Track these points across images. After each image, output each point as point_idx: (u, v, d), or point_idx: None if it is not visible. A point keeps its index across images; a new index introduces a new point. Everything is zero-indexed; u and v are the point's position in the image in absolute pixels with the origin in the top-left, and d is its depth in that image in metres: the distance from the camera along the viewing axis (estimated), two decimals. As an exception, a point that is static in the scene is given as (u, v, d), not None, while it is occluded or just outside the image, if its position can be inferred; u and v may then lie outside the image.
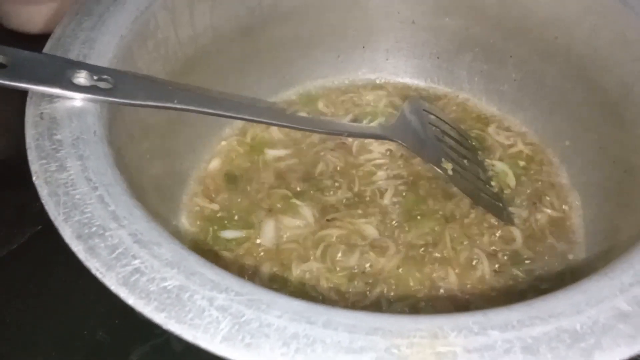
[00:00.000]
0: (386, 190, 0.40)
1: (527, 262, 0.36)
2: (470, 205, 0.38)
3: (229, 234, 0.37)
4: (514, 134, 0.44)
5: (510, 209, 0.39)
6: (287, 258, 0.37)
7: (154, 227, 0.23)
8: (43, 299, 0.39)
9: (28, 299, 0.39)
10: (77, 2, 0.33)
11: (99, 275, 0.21)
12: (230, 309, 0.20)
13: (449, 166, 0.37)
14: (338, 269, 0.36)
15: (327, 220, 0.38)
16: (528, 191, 0.40)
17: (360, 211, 0.39)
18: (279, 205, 0.39)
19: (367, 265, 0.36)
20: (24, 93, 0.27)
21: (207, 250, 0.36)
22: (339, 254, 0.36)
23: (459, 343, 0.18)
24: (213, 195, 0.40)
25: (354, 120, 0.45)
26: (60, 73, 0.28)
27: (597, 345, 0.18)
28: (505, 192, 0.40)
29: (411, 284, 0.35)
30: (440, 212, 0.38)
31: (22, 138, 0.27)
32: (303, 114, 0.46)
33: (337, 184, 0.40)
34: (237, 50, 0.42)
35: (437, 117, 0.41)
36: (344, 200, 0.39)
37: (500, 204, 0.39)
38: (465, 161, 0.39)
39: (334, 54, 0.47)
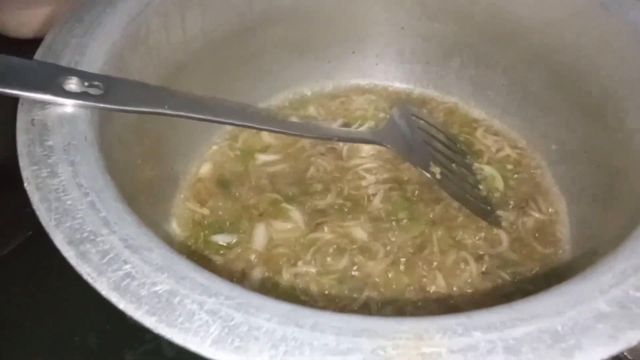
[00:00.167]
0: (375, 194, 0.40)
1: (513, 264, 0.36)
2: (458, 209, 0.39)
3: (219, 238, 0.38)
4: (501, 138, 0.44)
5: (499, 212, 0.40)
6: (278, 262, 0.37)
7: (144, 232, 0.23)
8: (35, 303, 0.39)
9: (19, 303, 0.39)
10: (68, 9, 0.34)
11: (90, 280, 0.21)
12: (219, 312, 0.20)
13: (437, 170, 0.38)
14: (328, 272, 0.36)
15: (317, 224, 0.39)
16: (516, 195, 0.41)
17: (349, 215, 0.39)
18: (269, 210, 0.39)
19: (356, 268, 0.36)
20: (11, 99, 0.27)
21: (198, 255, 0.37)
22: (329, 258, 0.37)
23: (444, 344, 0.19)
24: (204, 200, 0.40)
25: (344, 124, 0.46)
26: (51, 79, 0.28)
27: (577, 345, 0.19)
28: (494, 195, 0.41)
29: (400, 287, 0.36)
30: (429, 216, 0.39)
31: (14, 142, 0.28)
32: (294, 118, 0.46)
33: (327, 188, 0.41)
34: (228, 56, 0.42)
35: (425, 121, 0.42)
36: (334, 205, 0.40)
37: (489, 207, 0.39)
38: (453, 165, 0.40)
39: (324, 59, 0.48)
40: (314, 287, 0.36)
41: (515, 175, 0.42)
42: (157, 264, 0.21)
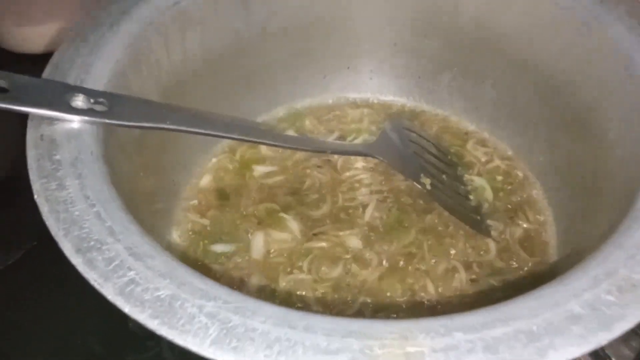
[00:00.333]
0: (369, 204, 0.42)
1: (501, 272, 0.38)
2: (448, 218, 0.40)
3: (218, 247, 0.39)
4: (491, 150, 0.46)
5: (489, 222, 0.41)
6: (275, 270, 0.38)
7: (147, 241, 0.24)
8: (39, 310, 0.41)
9: (25, 310, 0.41)
10: (72, 27, 0.35)
11: (97, 286, 0.22)
12: (218, 315, 0.21)
13: (427, 181, 0.39)
14: (323, 280, 0.38)
15: (313, 234, 0.40)
16: (505, 205, 0.42)
17: (344, 225, 0.41)
18: (267, 220, 0.41)
19: (351, 276, 0.38)
20: (17, 115, 0.29)
21: (197, 264, 0.38)
22: (324, 266, 0.38)
23: (427, 344, 0.20)
24: (204, 211, 0.41)
25: (339, 137, 0.47)
26: (58, 97, 0.30)
27: (551, 344, 0.20)
28: (484, 206, 0.42)
29: (392, 294, 0.37)
30: (420, 225, 0.40)
31: (17, 158, 0.29)
32: (291, 132, 0.48)
33: (322, 199, 0.42)
34: (227, 72, 0.44)
35: (417, 134, 0.43)
36: (329, 215, 0.41)
37: (478, 217, 0.41)
38: (444, 176, 0.42)
39: (320, 74, 0.49)
40: (309, 294, 0.37)
41: (505, 186, 0.43)
42: (160, 270, 0.23)
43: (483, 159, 0.45)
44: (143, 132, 0.34)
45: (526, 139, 0.44)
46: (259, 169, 0.44)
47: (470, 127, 0.48)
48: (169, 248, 0.39)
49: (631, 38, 0.34)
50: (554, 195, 0.41)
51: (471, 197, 0.42)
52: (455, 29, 0.44)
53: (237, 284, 0.37)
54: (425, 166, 0.40)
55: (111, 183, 0.28)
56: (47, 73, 0.32)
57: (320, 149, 0.40)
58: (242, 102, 0.46)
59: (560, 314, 0.21)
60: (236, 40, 0.43)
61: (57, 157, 0.28)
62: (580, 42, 0.37)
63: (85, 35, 0.35)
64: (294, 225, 0.40)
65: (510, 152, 0.45)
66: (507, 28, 0.42)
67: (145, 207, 0.35)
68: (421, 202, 0.41)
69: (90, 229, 0.24)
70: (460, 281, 0.37)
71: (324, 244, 0.39)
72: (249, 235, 0.40)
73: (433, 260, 0.38)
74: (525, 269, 0.38)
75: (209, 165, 0.44)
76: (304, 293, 0.37)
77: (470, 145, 0.46)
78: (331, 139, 0.47)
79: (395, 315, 0.36)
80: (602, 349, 0.41)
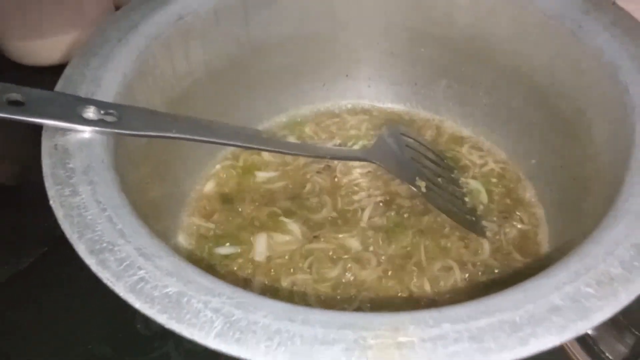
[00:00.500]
0: (367, 207, 0.43)
1: (495, 271, 0.39)
2: (444, 220, 0.42)
3: (223, 250, 0.41)
4: (486, 154, 0.47)
5: (483, 223, 0.42)
6: (277, 271, 0.40)
7: (156, 242, 0.26)
8: (51, 314, 0.42)
9: (36, 314, 0.42)
10: (81, 39, 0.37)
11: (109, 284, 0.24)
12: (222, 310, 0.23)
13: (422, 184, 0.41)
14: (323, 280, 0.39)
15: (314, 236, 0.42)
16: (499, 207, 0.44)
17: (343, 227, 0.42)
18: (269, 223, 0.42)
19: (351, 276, 0.39)
20: (28, 125, 0.30)
21: (203, 266, 0.40)
22: (324, 267, 0.40)
23: (417, 334, 0.22)
24: (208, 215, 0.43)
25: (339, 143, 0.49)
26: (71, 109, 0.31)
27: (533, 334, 0.22)
28: (479, 207, 0.44)
29: (390, 293, 0.38)
30: (417, 227, 0.42)
31: (27, 166, 0.31)
32: (292, 138, 0.49)
33: (322, 203, 0.44)
34: (230, 82, 0.46)
35: (414, 139, 0.45)
36: (329, 218, 0.43)
37: (474, 218, 0.42)
38: (440, 179, 0.43)
39: (319, 82, 0.51)
40: (310, 294, 0.38)
41: (499, 189, 0.45)
42: (168, 269, 0.25)
43: (478, 163, 0.47)
44: (150, 141, 0.36)
45: (519, 142, 0.45)
46: (261, 175, 0.46)
47: (466, 131, 0.49)
48: (176, 251, 0.40)
49: (616, 46, 0.35)
50: (547, 197, 0.43)
51: (467, 199, 0.44)
52: (449, 39, 0.46)
53: (241, 285, 0.38)
54: (420, 170, 0.42)
55: (121, 189, 0.29)
56: (59, 86, 0.34)
57: (319, 155, 0.41)
58: (244, 110, 0.48)
59: (542, 305, 0.23)
60: (238, 51, 0.45)
61: (70, 165, 0.29)
62: (568, 50, 0.39)
63: (95, 50, 0.36)
64: (295, 228, 0.42)
65: (504, 156, 0.47)
66: (499, 37, 0.43)
67: (153, 212, 0.37)
68: (418, 204, 0.43)
69: (103, 232, 0.26)
70: (455, 280, 0.39)
71: (324, 246, 0.41)
72: (252, 238, 0.41)
73: (429, 260, 0.40)
74: (519, 268, 0.40)
75: (213, 172, 0.46)
76: (305, 292, 0.39)
77: (465, 149, 0.48)
78: (331, 144, 0.49)
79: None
80: (598, 345, 0.43)
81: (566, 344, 0.42)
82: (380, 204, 0.43)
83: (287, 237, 0.42)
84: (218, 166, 0.46)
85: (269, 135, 0.48)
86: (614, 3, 0.39)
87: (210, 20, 0.41)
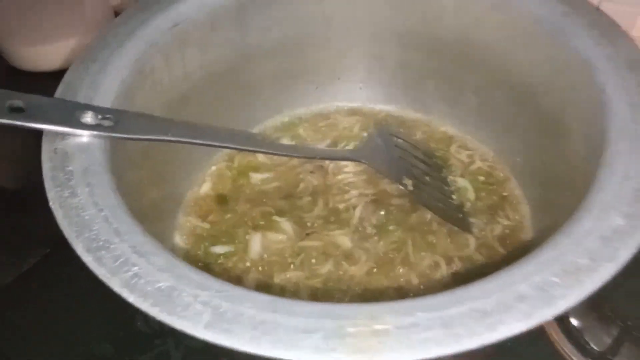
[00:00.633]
0: (357, 206, 0.45)
1: (480, 266, 0.41)
2: (432, 217, 0.43)
3: (218, 249, 0.42)
4: (473, 153, 0.49)
5: (471, 219, 0.44)
6: (271, 268, 0.41)
7: (149, 240, 0.28)
8: (53, 314, 0.44)
9: (39, 315, 0.44)
10: (81, 46, 0.39)
11: (105, 280, 0.26)
12: (211, 302, 0.24)
13: (409, 182, 0.42)
14: (315, 276, 0.41)
15: (306, 234, 0.43)
16: (485, 204, 0.45)
17: (335, 225, 0.43)
18: (263, 222, 0.44)
19: (341, 272, 0.41)
20: (31, 132, 0.32)
21: (198, 264, 0.41)
22: (316, 263, 0.41)
23: (392, 322, 0.23)
24: (205, 215, 0.45)
25: (331, 144, 0.50)
26: (70, 114, 0.33)
27: (500, 321, 0.23)
28: (466, 205, 0.45)
29: (380, 288, 0.40)
30: (406, 224, 0.43)
31: (28, 169, 0.32)
32: (286, 139, 0.51)
33: (315, 202, 0.45)
34: (226, 85, 0.47)
35: (403, 139, 0.46)
36: (321, 216, 0.44)
37: (461, 215, 0.44)
38: (428, 178, 0.44)
39: (313, 85, 0.53)
40: (302, 289, 0.40)
41: (486, 186, 0.46)
42: (160, 265, 0.26)
43: (466, 161, 0.48)
44: (147, 144, 0.37)
45: (505, 141, 0.47)
46: (256, 176, 0.47)
47: (455, 131, 0.50)
48: (173, 250, 0.42)
49: (593, 47, 0.37)
50: (532, 194, 0.44)
51: (454, 196, 0.45)
52: (437, 42, 0.47)
53: (235, 282, 0.40)
54: (408, 169, 0.43)
55: (118, 191, 0.31)
56: (59, 92, 0.35)
57: (309, 156, 0.43)
58: (240, 113, 0.49)
59: (510, 294, 0.24)
60: (234, 56, 0.46)
61: (70, 168, 0.31)
62: (548, 52, 0.40)
63: (94, 56, 0.38)
64: (288, 226, 0.43)
65: (491, 154, 0.48)
66: (484, 40, 0.44)
67: (150, 213, 0.38)
68: (407, 202, 0.44)
69: (99, 231, 0.27)
70: (442, 274, 0.40)
71: (316, 243, 0.42)
72: (247, 237, 0.43)
73: (417, 256, 0.41)
74: (503, 263, 0.41)
75: (209, 173, 0.48)
76: (297, 288, 0.40)
77: (454, 148, 0.49)
78: (324, 145, 0.50)
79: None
80: (583, 336, 0.44)
81: (552, 336, 0.44)
82: (371, 202, 0.45)
83: (280, 236, 0.43)
84: (214, 168, 0.48)
85: (263, 137, 0.49)
86: (598, 8, 0.40)
87: (206, 27, 0.43)
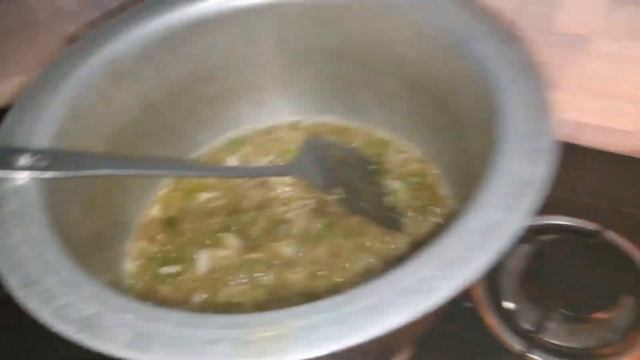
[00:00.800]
0: (298, 216, 0.47)
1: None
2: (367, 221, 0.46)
3: (166, 269, 0.45)
4: (408, 155, 0.51)
5: (405, 219, 0.46)
6: (218, 283, 0.44)
7: (78, 273, 0.30)
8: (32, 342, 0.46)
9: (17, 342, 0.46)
10: (22, 93, 0.41)
11: (35, 313, 0.28)
12: (130, 324, 0.27)
13: (339, 191, 0.45)
14: (259, 286, 0.43)
15: (251, 247, 0.46)
16: (419, 203, 0.48)
17: (277, 236, 0.46)
18: (210, 240, 0.46)
19: (283, 281, 0.43)
20: None
21: (148, 286, 0.44)
22: (260, 274, 0.44)
23: (291, 325, 0.26)
24: (154, 238, 0.47)
25: (276, 158, 0.53)
26: (6, 158, 0.35)
27: (387, 314, 0.26)
28: (399, 205, 0.48)
29: (319, 292, 0.42)
30: (343, 229, 0.46)
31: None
32: (232, 159, 0.54)
33: (258, 216, 0.48)
34: (166, 114, 0.49)
35: (337, 149, 0.49)
36: (265, 229, 0.47)
37: (394, 216, 0.46)
38: (361, 184, 0.47)
39: (254, 103, 0.55)
40: (247, 301, 0.43)
41: (419, 186, 0.49)
42: (87, 295, 0.29)
43: (400, 164, 0.51)
44: (86, 179, 0.40)
45: (434, 143, 0.50)
46: (203, 196, 0.50)
47: (390, 136, 0.53)
48: (123, 275, 0.44)
49: (492, 53, 0.39)
50: (457, 190, 0.47)
51: (388, 199, 0.48)
52: (365, 55, 0.49)
53: (184, 300, 0.43)
54: (339, 178, 0.46)
55: (55, 228, 0.33)
56: (-3, 138, 0.38)
57: (239, 175, 0.46)
58: (184, 137, 0.52)
59: (396, 290, 0.27)
60: (170, 85, 0.49)
61: (7, 210, 0.33)
62: (454, 60, 0.42)
63: (31, 100, 0.40)
64: (233, 242, 0.46)
65: (422, 155, 0.51)
66: (405, 52, 0.46)
67: (96, 243, 0.41)
68: (343, 210, 0.47)
69: (31, 268, 0.30)
70: (376, 274, 0.42)
71: (259, 255, 0.45)
72: (194, 255, 0.46)
73: (354, 259, 0.44)
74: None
75: (157, 197, 0.50)
76: (242, 300, 0.43)
77: (390, 152, 0.52)
78: (268, 161, 0.53)
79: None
80: (514, 317, 0.47)
81: (487, 320, 0.47)
82: (311, 212, 0.48)
83: (225, 251, 0.46)
84: (162, 191, 0.51)
85: (197, 162, 0.52)
86: (495, 17, 0.43)
87: (140, 59, 0.45)
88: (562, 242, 0.50)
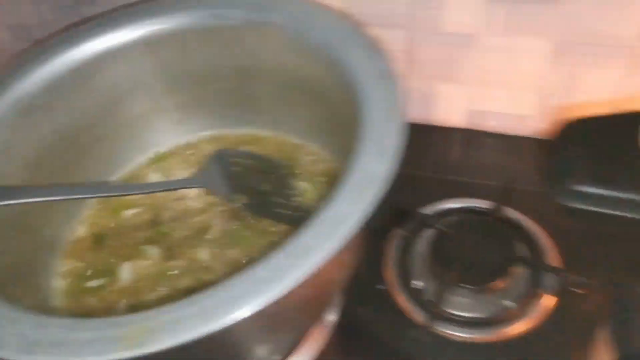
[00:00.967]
0: (215, 222, 0.51)
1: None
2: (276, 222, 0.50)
3: (93, 283, 0.48)
4: (316, 158, 0.55)
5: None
6: (141, 292, 0.47)
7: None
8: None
9: None
10: None
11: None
12: (21, 333, 0.31)
13: (241, 199, 0.49)
14: (179, 290, 0.47)
15: (171, 256, 0.49)
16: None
17: (195, 242, 0.50)
18: (132, 252, 0.50)
19: (202, 283, 0.47)
20: None
21: (76, 301, 0.47)
22: (180, 280, 0.47)
23: (162, 320, 0.30)
24: (81, 255, 0.51)
25: (196, 170, 0.57)
26: None
27: (238, 305, 0.30)
28: (308, 204, 0.51)
29: (233, 291, 0.46)
30: (256, 231, 0.49)
31: None
32: (157, 174, 0.57)
33: (179, 226, 0.52)
34: (83, 140, 0.52)
35: (247, 158, 0.53)
36: (184, 237, 0.51)
37: (302, 214, 0.50)
38: (266, 189, 0.51)
39: (174, 121, 0.59)
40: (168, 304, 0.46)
41: (324, 184, 0.53)
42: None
43: (309, 165, 0.55)
44: (6, 209, 0.43)
45: (334, 142, 0.53)
46: (127, 212, 0.54)
47: (300, 141, 0.57)
48: (53, 293, 0.48)
49: (358, 62, 0.43)
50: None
51: (298, 199, 0.52)
52: (250, 72, 0.54)
53: (109, 309, 0.46)
54: (243, 185, 0.50)
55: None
56: None
57: (148, 190, 0.49)
58: (108, 159, 0.56)
59: (250, 280, 0.31)
60: (84, 114, 0.52)
61: None
62: (332, 68, 0.46)
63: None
64: (155, 252, 0.50)
65: (328, 155, 0.55)
66: (296, 66, 0.51)
67: (23, 268, 0.45)
68: (250, 214, 0.51)
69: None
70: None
71: (178, 263, 0.49)
72: (118, 268, 0.49)
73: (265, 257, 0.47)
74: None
75: (85, 217, 0.54)
76: (163, 304, 0.46)
77: (301, 155, 0.56)
78: (190, 173, 0.57)
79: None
80: (422, 295, 0.51)
81: (398, 298, 0.51)
82: (227, 217, 0.51)
83: (148, 262, 0.49)
84: (89, 211, 0.54)
85: (113, 182, 0.55)
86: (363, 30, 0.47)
87: (44, 97, 0.49)
88: (462, 222, 0.54)
